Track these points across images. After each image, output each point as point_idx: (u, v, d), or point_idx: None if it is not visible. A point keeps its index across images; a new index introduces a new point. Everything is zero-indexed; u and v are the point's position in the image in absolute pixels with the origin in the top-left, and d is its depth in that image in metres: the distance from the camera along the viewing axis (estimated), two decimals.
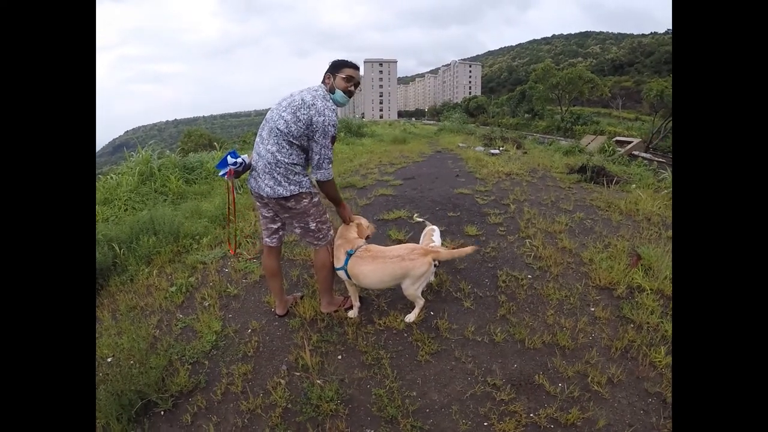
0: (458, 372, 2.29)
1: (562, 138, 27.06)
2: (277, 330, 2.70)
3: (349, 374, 2.33)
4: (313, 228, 2.53)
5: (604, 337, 2.53)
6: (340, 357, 2.47)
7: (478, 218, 4.38)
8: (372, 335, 2.61)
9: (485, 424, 1.98)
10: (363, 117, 77.36)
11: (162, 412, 2.10)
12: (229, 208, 2.91)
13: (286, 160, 2.34)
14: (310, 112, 2.29)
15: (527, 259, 3.38)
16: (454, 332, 2.58)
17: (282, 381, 2.26)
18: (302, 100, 2.32)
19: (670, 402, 2.15)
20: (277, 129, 2.33)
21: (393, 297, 2.96)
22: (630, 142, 14.25)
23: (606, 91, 50.03)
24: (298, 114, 2.30)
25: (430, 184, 6.20)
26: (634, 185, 6.24)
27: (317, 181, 2.45)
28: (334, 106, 2.38)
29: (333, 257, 2.65)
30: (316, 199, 2.50)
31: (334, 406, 2.11)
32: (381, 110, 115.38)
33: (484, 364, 2.34)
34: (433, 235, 3.09)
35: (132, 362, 2.31)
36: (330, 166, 2.41)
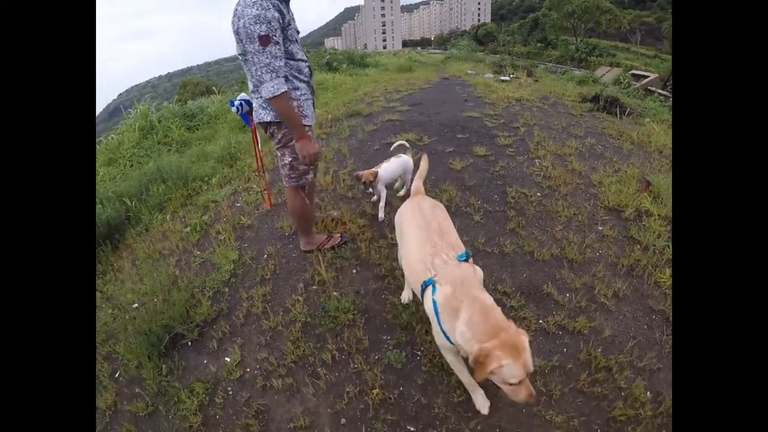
0: None
1: (575, 68, 25.78)
2: (292, 252, 2.71)
3: (364, 286, 2.38)
4: (287, 162, 2.23)
5: (610, 254, 2.52)
6: (354, 271, 2.50)
7: (486, 139, 4.24)
8: (385, 249, 2.62)
9: None
10: (366, 48, 73.42)
11: (189, 343, 2.16)
12: (257, 158, 2.73)
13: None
14: (235, 20, 1.90)
15: (536, 178, 3.30)
16: (465, 243, 2.55)
17: (300, 298, 2.31)
18: (234, 12, 1.93)
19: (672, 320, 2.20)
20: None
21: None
22: (647, 77, 13.56)
23: (625, 24, 46.88)
24: (233, 29, 1.94)
25: (437, 108, 5.96)
26: (648, 119, 6.01)
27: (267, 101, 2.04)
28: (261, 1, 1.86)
29: (306, 201, 2.40)
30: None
31: (351, 317, 2.17)
32: (384, 40, 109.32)
33: (495, 273, 2.36)
34: (388, 161, 3.00)
35: (155, 300, 2.34)
36: (273, 76, 1.90)
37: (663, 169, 3.80)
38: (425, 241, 1.68)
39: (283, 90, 1.93)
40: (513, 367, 1.30)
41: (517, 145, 4.10)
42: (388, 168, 2.94)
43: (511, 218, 2.76)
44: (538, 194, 3.08)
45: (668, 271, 2.38)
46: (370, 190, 2.84)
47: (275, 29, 1.86)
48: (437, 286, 1.53)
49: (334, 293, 2.32)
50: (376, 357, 1.97)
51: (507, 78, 10.20)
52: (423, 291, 1.61)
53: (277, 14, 1.88)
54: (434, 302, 1.52)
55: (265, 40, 1.84)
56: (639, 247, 2.60)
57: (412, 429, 1.71)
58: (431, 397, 1.79)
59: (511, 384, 1.34)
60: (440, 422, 1.71)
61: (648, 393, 1.78)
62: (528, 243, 2.53)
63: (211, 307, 2.32)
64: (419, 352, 1.97)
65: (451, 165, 3.58)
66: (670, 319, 2.17)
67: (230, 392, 1.90)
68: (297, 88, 2.12)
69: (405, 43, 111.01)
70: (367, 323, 2.14)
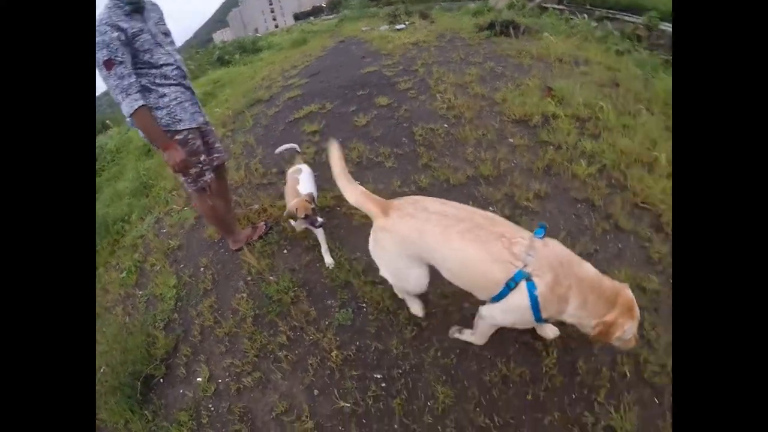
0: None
1: (471, 1, 25.95)
2: (224, 256, 2.65)
3: (297, 262, 2.38)
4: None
5: (524, 161, 2.60)
6: (285, 251, 2.49)
7: (388, 89, 4.19)
8: None
9: None
10: (257, 32, 69.75)
11: (161, 380, 2.10)
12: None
13: None
14: None
15: (441, 111, 3.32)
16: (382, 191, 2.55)
17: (243, 295, 2.30)
18: None
19: (599, 205, 2.32)
20: None
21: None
22: None
23: None
24: None
25: (335, 73, 5.80)
26: (545, 33, 6.17)
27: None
28: (108, 17, 1.80)
29: (210, 203, 2.26)
30: (180, 137, 2.08)
31: (293, 294, 2.19)
32: (274, 19, 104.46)
33: None
34: (299, 179, 2.36)
35: (115, 354, 2.22)
36: (125, 96, 1.86)
37: (564, 75, 3.94)
38: (486, 238, 1.35)
39: (137, 106, 1.88)
40: (633, 327, 1.29)
41: (417, 86, 4.08)
42: (308, 184, 2.36)
43: (422, 155, 2.77)
44: (445, 125, 3.09)
45: (584, 162, 2.50)
46: (309, 224, 2.16)
47: (116, 49, 1.81)
48: (535, 278, 1.29)
49: (272, 278, 2.30)
50: (327, 323, 2.01)
51: (403, 26, 10.08)
52: (508, 291, 1.34)
53: (115, 33, 1.80)
54: (534, 297, 1.29)
55: (108, 64, 1.81)
56: (552, 147, 2.70)
57: (378, 376, 1.75)
58: (386, 342, 1.85)
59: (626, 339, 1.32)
60: (402, 361, 1.77)
61: None
62: (442, 172, 2.55)
63: (168, 338, 2.25)
64: (363, 305, 2.02)
65: (355, 122, 3.50)
66: (595, 204, 2.29)
67: (212, 408, 1.89)
68: (164, 95, 2.02)
69: (297, 17, 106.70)
70: (309, 295, 2.17)
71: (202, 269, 2.62)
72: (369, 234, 1.66)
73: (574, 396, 1.67)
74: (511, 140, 2.80)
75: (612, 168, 2.57)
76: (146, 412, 1.98)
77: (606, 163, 2.59)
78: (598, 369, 1.72)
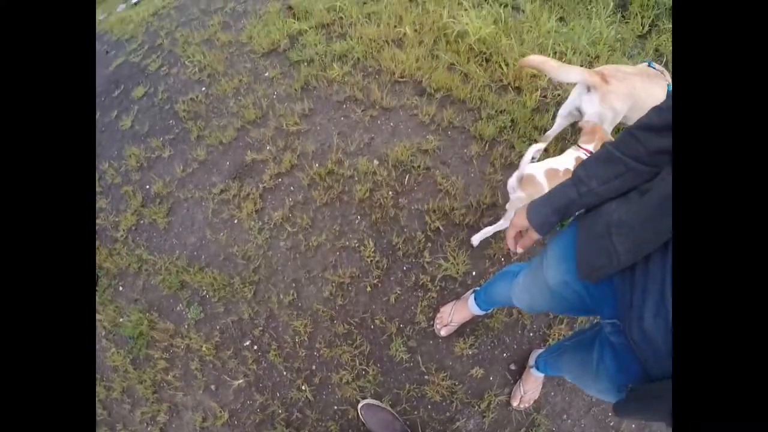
0: (193, 204, 2.37)
1: None
2: None
3: (134, 290, 2.32)
4: None
5: (283, 89, 2.68)
6: (120, 288, 2.38)
7: (140, 76, 3.80)
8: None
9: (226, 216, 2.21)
10: None
11: None
12: None
13: None
14: None
15: (195, 76, 3.17)
16: (169, 183, 2.48)
17: (112, 350, 2.02)
18: None
19: (361, 98, 2.53)
20: None
21: None
22: None
23: None
24: None
25: None
26: None
27: None
28: None
29: None
30: None
31: (147, 320, 2.18)
32: None
33: (206, 181, 2.42)
34: None
35: None
36: None
37: None
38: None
39: None
40: None
41: (167, 60, 3.77)
42: None
43: (191, 129, 2.69)
44: (203, 89, 2.99)
45: (336, 65, 2.68)
46: None
47: None
48: None
49: (122, 319, 2.26)
50: (185, 326, 2.11)
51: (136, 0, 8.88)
52: None
53: None
54: None
55: None
56: (305, 64, 2.80)
57: (247, 343, 1.98)
58: (237, 311, 2.05)
59: None
60: (256, 318, 1.97)
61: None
62: (214, 136, 2.54)
63: None
64: (204, 293, 2.14)
65: (122, 127, 3.18)
66: (358, 98, 2.50)
67: None
68: None
69: None
70: (159, 312, 2.19)
71: None
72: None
73: (405, 268, 1.98)
74: (267, 74, 2.84)
75: (364, 58, 2.79)
76: None
77: (358, 57, 2.79)
78: (412, 236, 2.03)
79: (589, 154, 1.55)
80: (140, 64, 4.10)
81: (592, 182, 0.81)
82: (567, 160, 1.56)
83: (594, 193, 0.81)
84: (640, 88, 1.67)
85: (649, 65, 1.80)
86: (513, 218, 0.98)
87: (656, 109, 0.72)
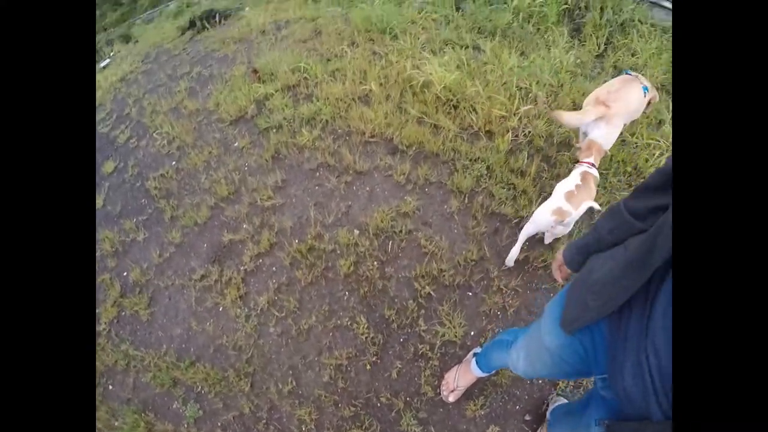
0: (174, 292, 2.33)
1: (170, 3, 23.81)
2: None
3: (123, 391, 2.08)
4: None
5: (253, 159, 2.65)
6: (110, 387, 2.17)
7: (109, 149, 3.75)
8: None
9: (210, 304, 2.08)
10: None
11: None
12: None
13: None
14: None
15: (164, 149, 3.12)
16: (147, 270, 2.42)
17: None
18: None
19: (334, 164, 2.50)
20: None
21: None
22: None
23: None
24: None
25: None
26: (247, 8, 5.99)
27: None
28: None
29: None
30: None
31: (144, 422, 2.03)
32: None
33: (184, 266, 2.37)
34: None
35: None
36: None
37: (268, 47, 3.95)
38: None
39: None
40: None
41: (135, 130, 3.74)
42: None
43: (164, 209, 2.63)
44: (173, 163, 2.95)
45: (305, 131, 2.65)
46: None
47: None
48: None
49: (117, 423, 2.09)
50: (185, 425, 1.97)
51: (107, 60, 8.90)
52: None
53: None
54: None
55: None
56: (273, 131, 2.78)
57: None
58: (237, 405, 1.93)
59: None
60: (257, 411, 1.86)
61: None
62: (188, 217, 2.49)
63: None
64: (199, 389, 2.03)
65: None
66: (330, 163, 2.47)
67: None
68: None
69: None
70: (155, 412, 2.05)
71: None
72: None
73: (401, 340, 1.92)
74: (236, 144, 2.82)
75: (333, 120, 2.78)
76: None
77: (326, 119, 2.78)
78: (404, 306, 1.97)
79: (591, 166, 1.84)
80: (109, 135, 4.06)
81: (602, 230, 0.94)
82: (575, 178, 1.79)
83: (602, 240, 0.94)
84: (627, 95, 1.91)
85: (626, 73, 2.01)
86: (556, 254, 1.14)
87: (656, 172, 0.82)
